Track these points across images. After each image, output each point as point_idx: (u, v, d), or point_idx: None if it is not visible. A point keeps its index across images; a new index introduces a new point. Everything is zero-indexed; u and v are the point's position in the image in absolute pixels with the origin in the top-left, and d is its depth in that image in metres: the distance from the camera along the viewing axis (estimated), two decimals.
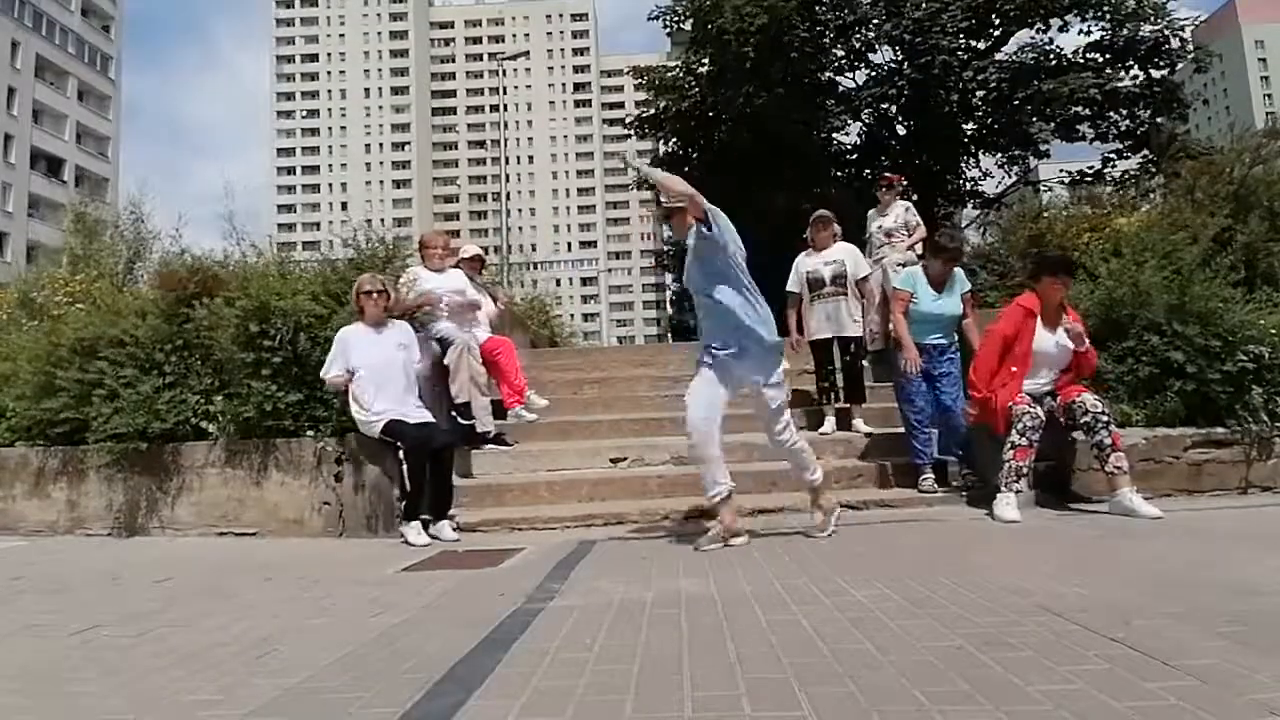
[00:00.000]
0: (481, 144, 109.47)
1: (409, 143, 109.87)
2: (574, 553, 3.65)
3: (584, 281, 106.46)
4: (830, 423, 5.60)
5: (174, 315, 5.15)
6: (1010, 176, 20.63)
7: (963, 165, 20.17)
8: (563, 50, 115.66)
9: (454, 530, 4.30)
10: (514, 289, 14.00)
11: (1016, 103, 17.89)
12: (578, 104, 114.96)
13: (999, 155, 20.12)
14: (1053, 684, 1.74)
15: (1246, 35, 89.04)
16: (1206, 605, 2.33)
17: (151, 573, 3.76)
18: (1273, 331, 4.80)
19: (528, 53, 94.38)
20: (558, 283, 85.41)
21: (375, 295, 4.53)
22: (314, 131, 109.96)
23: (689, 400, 3.72)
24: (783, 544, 3.66)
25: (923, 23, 16.97)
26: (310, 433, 4.76)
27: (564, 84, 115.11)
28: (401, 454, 4.40)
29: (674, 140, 21.04)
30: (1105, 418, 4.17)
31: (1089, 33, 18.44)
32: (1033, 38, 18.74)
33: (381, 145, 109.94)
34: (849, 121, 20.04)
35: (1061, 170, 18.72)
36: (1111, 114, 18.31)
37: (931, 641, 2.09)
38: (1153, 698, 1.63)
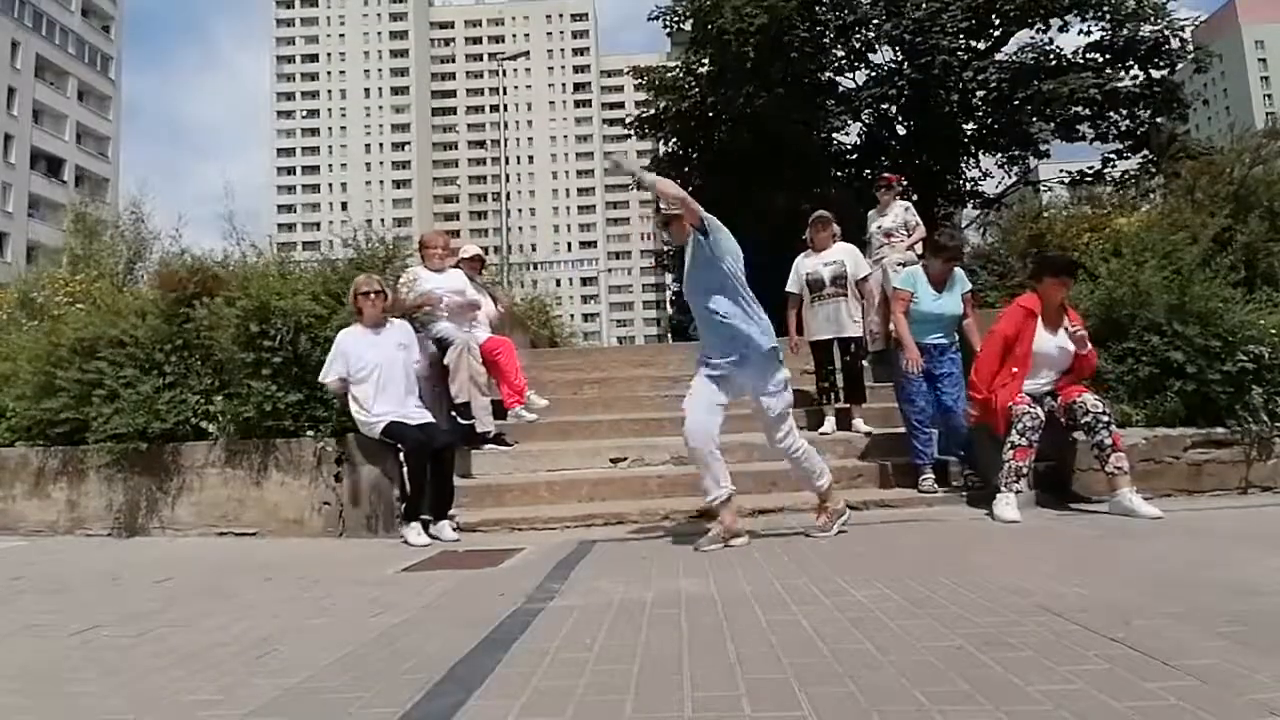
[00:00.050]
0: (481, 144, 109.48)
1: (409, 143, 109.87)
2: (574, 553, 3.65)
3: (584, 281, 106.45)
4: (830, 423, 5.60)
5: (174, 315, 5.15)
6: (1010, 176, 20.64)
7: (963, 165, 20.17)
8: (563, 50, 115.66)
9: (454, 531, 4.30)
10: (514, 289, 13.98)
11: (1016, 103, 17.90)
12: (578, 104, 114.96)
13: (999, 155, 20.12)
14: (1053, 684, 1.74)
15: (1246, 35, 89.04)
16: (1206, 605, 2.33)
17: (151, 573, 3.76)
18: (1273, 331, 4.79)
19: (528, 53, 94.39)
20: (558, 283, 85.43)
21: (373, 296, 4.53)
22: (314, 131, 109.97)
23: (687, 405, 3.74)
24: (783, 544, 3.66)
25: (923, 23, 16.97)
26: (310, 433, 4.75)
27: (564, 84, 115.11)
28: (402, 455, 4.40)
29: (674, 140, 21.03)
30: (1106, 418, 4.17)
31: (1089, 33, 18.46)
32: (1033, 38, 18.76)
33: (381, 145, 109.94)
34: (849, 121, 20.04)
35: (1061, 170, 18.72)
36: (1111, 114, 18.31)
37: (931, 641, 2.09)
38: (1153, 698, 1.63)
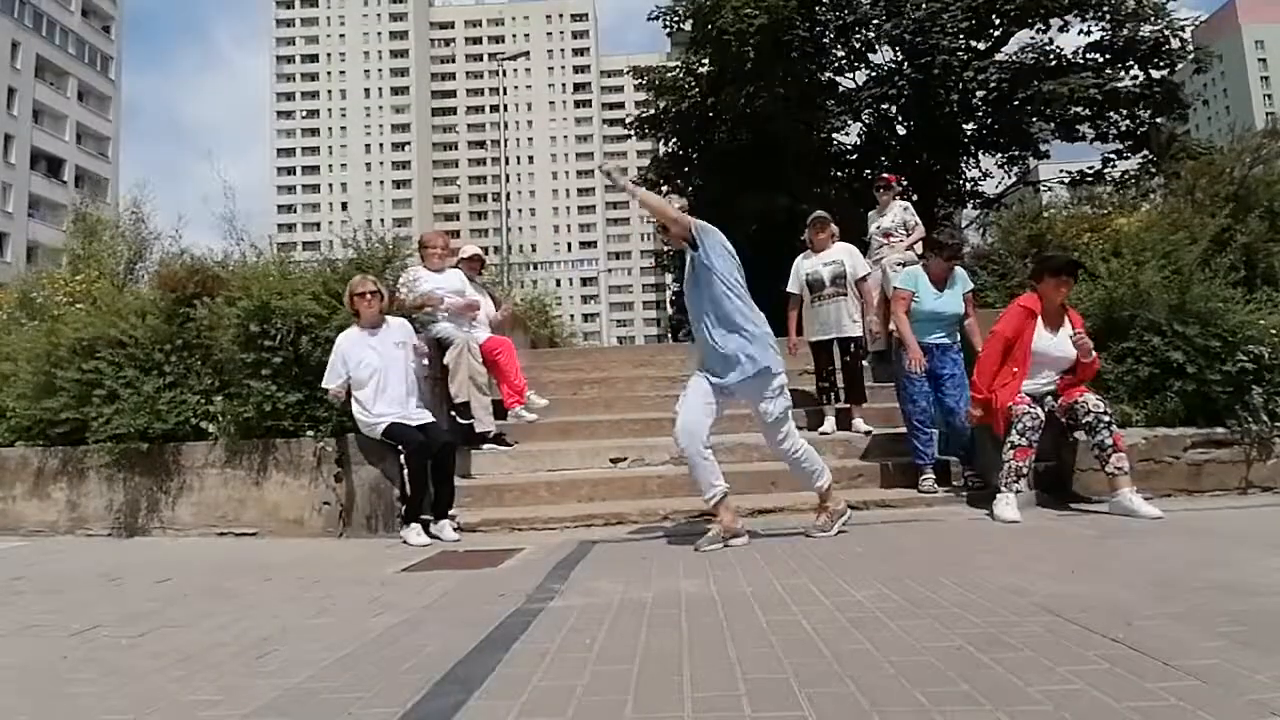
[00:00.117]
0: (481, 144, 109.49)
1: (409, 143, 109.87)
2: (574, 553, 3.65)
3: (584, 281, 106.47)
4: (830, 423, 5.60)
5: (174, 315, 5.15)
6: (1010, 177, 20.65)
7: (963, 165, 20.17)
8: (563, 50, 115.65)
9: (455, 531, 4.30)
10: (514, 289, 13.98)
11: (1016, 103, 17.90)
12: (578, 104, 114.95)
13: (999, 155, 20.13)
14: (1053, 684, 1.74)
15: (1246, 35, 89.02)
16: (1206, 605, 2.33)
17: (151, 573, 3.77)
18: (1273, 331, 4.79)
19: (528, 53, 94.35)
20: (558, 283, 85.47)
21: (369, 296, 4.52)
22: (314, 131, 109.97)
23: (681, 405, 3.78)
24: (783, 544, 3.66)
25: (923, 23, 16.98)
26: (310, 433, 4.75)
27: (564, 84, 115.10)
28: (403, 456, 4.40)
29: (674, 140, 21.05)
30: (1107, 418, 4.17)
31: (1089, 33, 18.46)
32: (1033, 38, 18.76)
33: (381, 145, 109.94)
34: (849, 121, 20.04)
35: (1061, 170, 18.72)
36: (1111, 114, 18.32)
37: (931, 641, 2.09)
38: (1153, 698, 1.63)
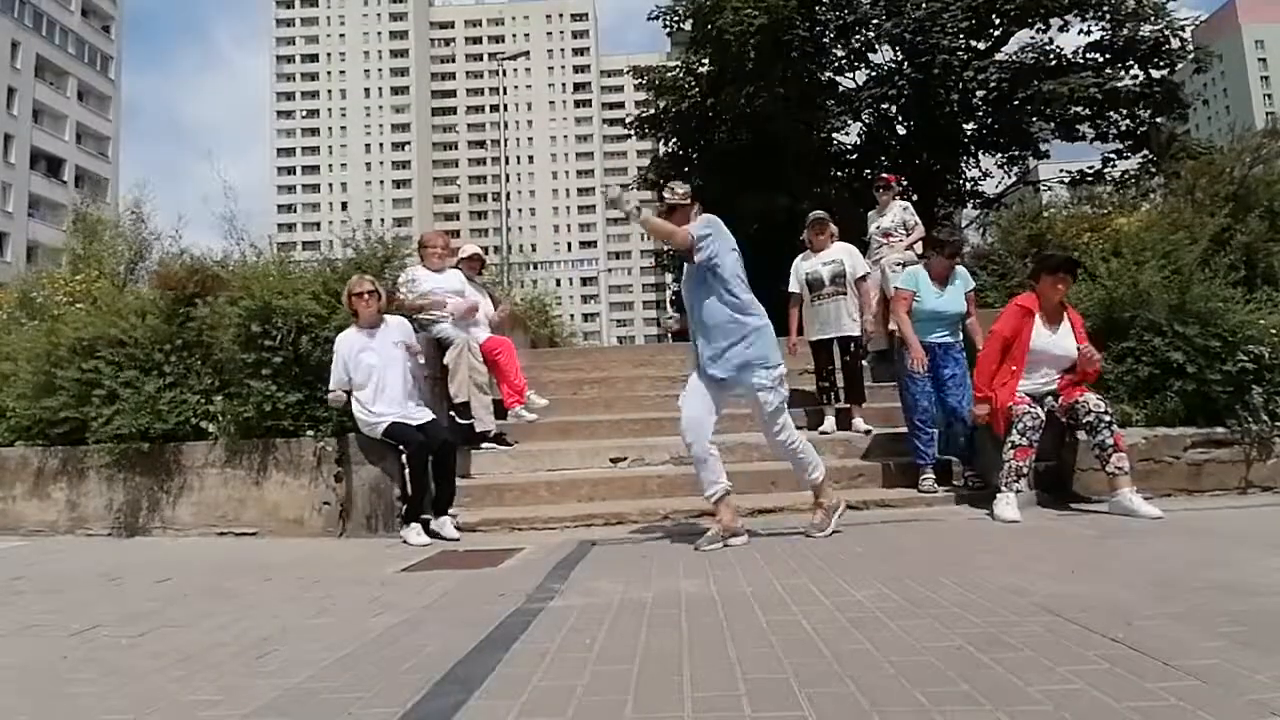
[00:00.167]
0: (481, 144, 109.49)
1: (409, 143, 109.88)
2: (574, 553, 3.65)
3: (584, 281, 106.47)
4: (830, 422, 5.60)
5: (174, 315, 5.15)
6: (1010, 176, 20.64)
7: (963, 165, 20.16)
8: (563, 50, 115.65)
9: (455, 528, 4.30)
10: (514, 289, 13.98)
11: (1016, 103, 17.89)
12: (578, 104, 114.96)
13: (999, 155, 20.12)
14: (1053, 684, 1.74)
15: (1246, 35, 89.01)
16: (1206, 605, 2.33)
17: (151, 573, 3.76)
18: (1273, 331, 4.79)
19: (528, 53, 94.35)
20: (558, 283, 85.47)
21: (367, 296, 4.52)
22: (314, 131, 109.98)
23: (683, 402, 3.78)
24: (783, 544, 3.66)
25: (923, 22, 16.97)
26: (310, 433, 4.75)
27: (564, 84, 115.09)
28: (404, 456, 4.40)
29: (674, 140, 21.03)
30: (1108, 418, 4.17)
31: (1089, 33, 18.45)
32: (1033, 38, 18.74)
33: (381, 145, 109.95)
34: (849, 121, 20.02)
35: (1061, 170, 18.72)
36: (1111, 114, 18.30)
37: (931, 641, 2.09)
38: (1153, 698, 1.63)
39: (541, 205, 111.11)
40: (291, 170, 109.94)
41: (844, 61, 19.74)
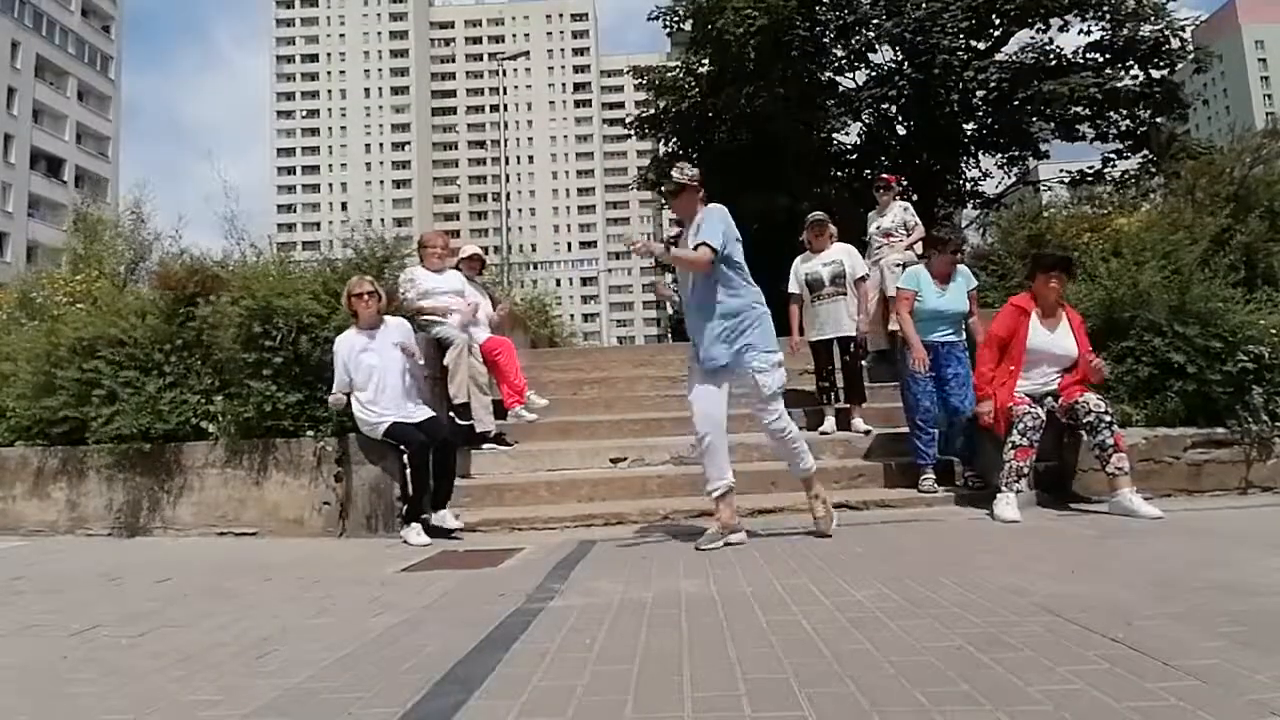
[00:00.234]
0: (481, 144, 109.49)
1: (409, 143, 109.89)
2: (574, 553, 3.65)
3: (584, 281, 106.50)
4: (830, 422, 5.60)
5: (174, 315, 5.15)
6: (1010, 177, 20.64)
7: (963, 165, 20.15)
8: (563, 50, 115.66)
9: (456, 519, 4.32)
10: (514, 289, 13.98)
11: (1016, 103, 17.89)
12: (578, 104, 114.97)
13: (999, 155, 20.11)
14: (1053, 684, 1.74)
15: (1246, 35, 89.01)
16: (1206, 605, 2.34)
17: (151, 573, 3.77)
18: (1273, 331, 4.79)
19: (528, 53, 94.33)
20: (558, 283, 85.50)
21: (366, 297, 4.52)
22: (314, 131, 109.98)
23: (693, 398, 3.76)
24: (783, 544, 3.66)
25: (923, 22, 16.96)
26: (310, 433, 4.75)
27: (564, 84, 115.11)
28: (405, 455, 4.40)
29: (674, 140, 21.02)
30: (1108, 418, 4.17)
31: (1089, 33, 18.44)
32: (1033, 38, 18.73)
33: (381, 145, 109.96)
34: (849, 121, 20.01)
35: (1061, 170, 18.72)
36: (1111, 114, 18.30)
37: (931, 641, 2.09)
38: (1153, 698, 1.63)
39: (541, 205, 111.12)
40: (291, 170, 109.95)
41: (844, 61, 19.73)
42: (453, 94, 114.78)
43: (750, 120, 18.01)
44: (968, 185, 20.45)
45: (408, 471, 4.36)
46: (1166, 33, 17.63)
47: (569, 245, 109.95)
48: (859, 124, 20.18)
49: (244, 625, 2.68)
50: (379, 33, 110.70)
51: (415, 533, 4.21)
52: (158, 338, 5.08)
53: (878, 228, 6.79)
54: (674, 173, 3.86)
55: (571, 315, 61.61)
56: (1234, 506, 4.37)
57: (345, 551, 4.22)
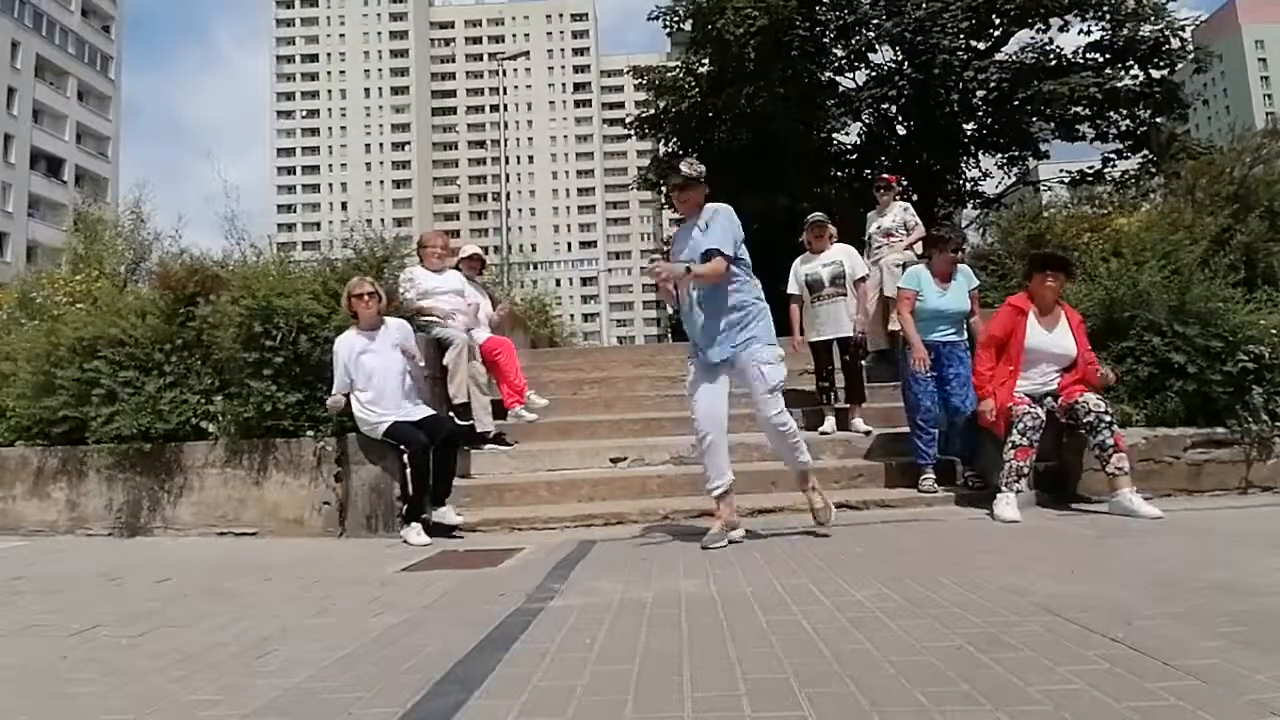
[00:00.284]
0: (481, 144, 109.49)
1: (409, 143, 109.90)
2: (574, 553, 3.65)
3: (584, 281, 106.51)
4: (830, 422, 5.60)
5: (174, 315, 5.14)
6: (1010, 177, 20.65)
7: (963, 165, 20.17)
8: (563, 50, 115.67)
9: (457, 515, 4.33)
10: (514, 289, 13.99)
11: (1016, 103, 17.90)
12: (578, 104, 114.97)
13: (999, 155, 20.13)
14: (1053, 684, 1.74)
15: (1246, 35, 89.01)
16: (1206, 605, 2.33)
17: (151, 572, 3.76)
18: (1273, 331, 4.79)
19: (528, 53, 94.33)
20: (558, 283, 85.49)
21: (366, 298, 4.51)
22: (314, 131, 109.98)
23: (695, 397, 3.74)
24: (783, 544, 3.66)
25: (923, 22, 16.97)
26: (310, 433, 4.75)
27: (564, 84, 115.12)
28: (405, 455, 4.40)
29: (674, 140, 21.04)
30: (1108, 418, 4.17)
31: (1089, 33, 18.46)
32: (1033, 38, 18.75)
33: (381, 145, 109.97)
34: (849, 121, 20.03)
35: (1061, 170, 18.73)
36: (1111, 114, 18.32)
37: (931, 641, 2.09)
38: (1153, 698, 1.63)
39: (541, 205, 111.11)
40: (291, 170, 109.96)
41: (844, 61, 19.74)
42: (453, 94, 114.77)
43: (750, 120, 18.01)
44: (968, 185, 20.47)
45: (408, 471, 4.37)
46: (1166, 33, 17.65)
47: (569, 245, 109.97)
48: (859, 124, 20.19)
49: (244, 625, 2.68)
50: (379, 33, 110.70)
51: (415, 533, 4.21)
52: (158, 337, 5.08)
53: (878, 227, 6.79)
54: (683, 166, 3.83)
55: (571, 315, 61.61)
56: (1234, 506, 4.37)
57: (345, 551, 4.22)
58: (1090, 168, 18.79)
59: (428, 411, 4.56)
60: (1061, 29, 18.79)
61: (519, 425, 5.54)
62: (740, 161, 18.14)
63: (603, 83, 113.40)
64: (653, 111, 21.29)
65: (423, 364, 4.85)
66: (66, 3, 48.27)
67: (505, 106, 50.72)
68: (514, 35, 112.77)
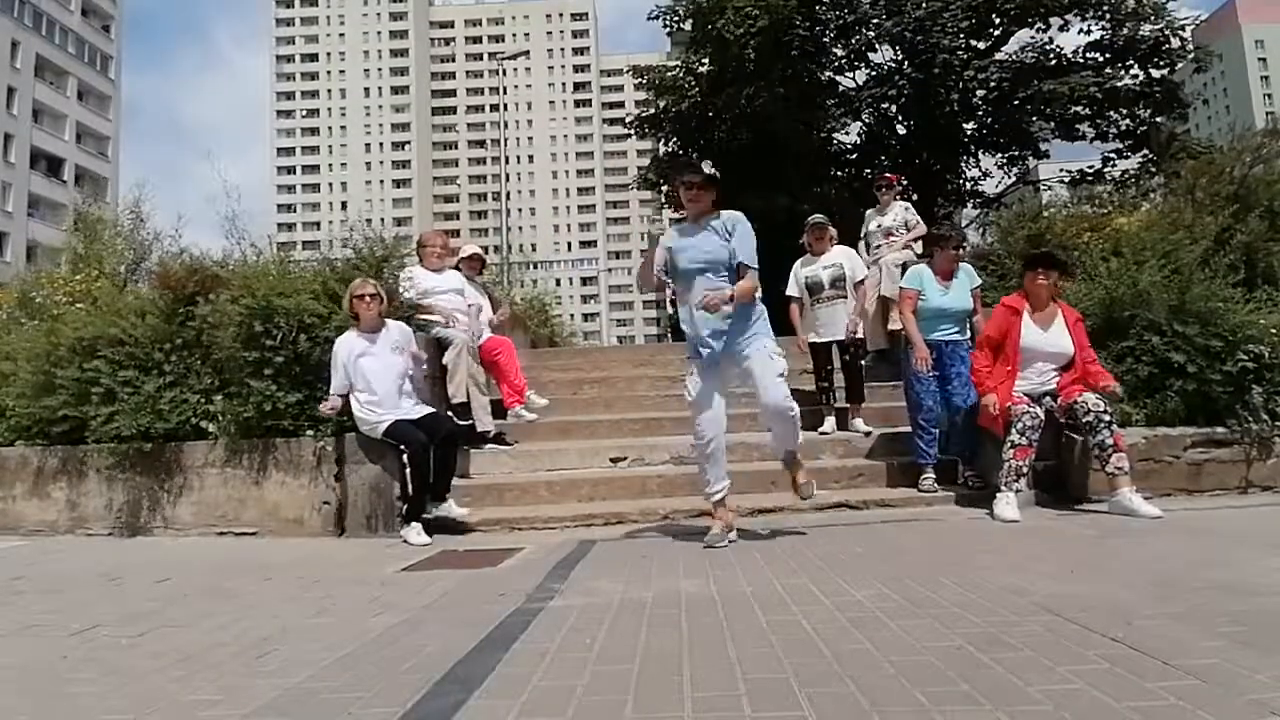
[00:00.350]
0: (481, 144, 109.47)
1: (409, 143, 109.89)
2: (574, 552, 3.65)
3: (584, 281, 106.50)
4: (830, 423, 5.59)
5: (173, 315, 5.14)
6: (1010, 176, 20.64)
7: (963, 165, 20.16)
8: (563, 50, 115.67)
9: (460, 507, 4.34)
10: (514, 289, 13.99)
11: (1017, 102, 17.89)
12: (578, 104, 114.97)
13: (999, 155, 20.12)
14: (1053, 684, 1.74)
15: (1246, 35, 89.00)
16: (1206, 605, 2.33)
17: (151, 572, 3.76)
18: (1273, 331, 4.79)
19: (528, 52, 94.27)
20: (558, 283, 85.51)
21: (368, 299, 4.51)
22: (314, 131, 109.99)
23: (696, 399, 3.73)
24: (783, 544, 3.66)
25: (923, 22, 16.96)
26: (310, 432, 4.74)
27: (564, 84, 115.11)
28: (405, 455, 4.39)
29: (674, 140, 21.03)
30: (1107, 418, 4.17)
31: (1089, 32, 18.45)
32: (1033, 37, 18.74)
33: (381, 145, 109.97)
34: (849, 121, 20.02)
35: (1061, 170, 18.73)
36: (1111, 114, 18.31)
37: (931, 641, 2.09)
38: (1153, 698, 1.63)
39: (541, 205, 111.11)
40: (291, 170, 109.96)
41: (844, 61, 19.73)
42: (453, 94, 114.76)
43: (750, 120, 18.00)
44: (968, 185, 20.46)
45: (407, 471, 4.36)
46: (1166, 32, 17.64)
47: (569, 245, 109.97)
48: (859, 124, 20.18)
49: (244, 625, 2.68)
50: (379, 33, 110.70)
51: (415, 532, 4.21)
52: (157, 337, 5.08)
53: (879, 225, 6.78)
54: (705, 165, 3.85)
55: (571, 315, 61.63)
56: (1234, 506, 4.37)
57: (345, 551, 4.22)
58: (1090, 167, 18.80)
59: (427, 410, 4.55)
60: (1061, 28, 18.79)
61: (519, 425, 5.54)
62: (740, 161, 18.12)
63: (603, 82, 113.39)
64: (653, 111, 21.28)
65: (425, 367, 4.85)
66: (66, 3, 48.26)
67: (505, 106, 50.74)
68: (514, 35, 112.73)
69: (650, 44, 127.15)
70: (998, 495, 4.15)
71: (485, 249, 7.38)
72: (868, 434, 5.35)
